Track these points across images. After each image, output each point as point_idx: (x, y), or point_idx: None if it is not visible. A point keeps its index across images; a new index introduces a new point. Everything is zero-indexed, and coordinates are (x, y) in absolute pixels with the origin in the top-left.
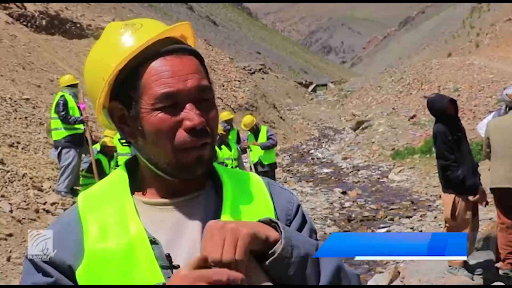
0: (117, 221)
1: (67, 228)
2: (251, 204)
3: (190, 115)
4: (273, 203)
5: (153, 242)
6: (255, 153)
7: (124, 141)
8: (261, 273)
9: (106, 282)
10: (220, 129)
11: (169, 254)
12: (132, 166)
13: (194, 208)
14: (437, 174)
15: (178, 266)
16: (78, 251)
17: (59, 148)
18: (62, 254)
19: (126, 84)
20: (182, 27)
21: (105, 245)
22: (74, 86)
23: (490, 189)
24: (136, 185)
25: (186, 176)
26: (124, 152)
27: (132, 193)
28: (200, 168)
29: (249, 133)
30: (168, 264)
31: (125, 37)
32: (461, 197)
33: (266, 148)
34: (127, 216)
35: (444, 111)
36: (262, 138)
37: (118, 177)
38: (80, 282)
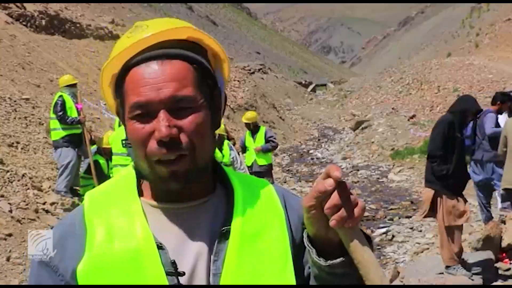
0: (124, 223)
1: (70, 231)
2: (262, 211)
3: (159, 126)
4: (287, 211)
5: (160, 247)
6: (250, 154)
7: (129, 143)
8: (364, 239)
9: (110, 282)
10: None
11: (174, 261)
12: None
13: (203, 214)
14: None
15: (184, 273)
16: (80, 253)
17: (59, 149)
18: (65, 261)
19: (117, 89)
20: (185, 30)
21: (111, 247)
22: (73, 86)
23: (504, 189)
24: (144, 187)
25: (163, 188)
26: (119, 152)
27: (140, 195)
28: (174, 182)
29: (248, 131)
30: (173, 271)
31: (124, 40)
32: (439, 193)
33: (267, 151)
34: (135, 219)
35: (466, 114)
36: (260, 139)
37: (126, 178)
38: (81, 281)
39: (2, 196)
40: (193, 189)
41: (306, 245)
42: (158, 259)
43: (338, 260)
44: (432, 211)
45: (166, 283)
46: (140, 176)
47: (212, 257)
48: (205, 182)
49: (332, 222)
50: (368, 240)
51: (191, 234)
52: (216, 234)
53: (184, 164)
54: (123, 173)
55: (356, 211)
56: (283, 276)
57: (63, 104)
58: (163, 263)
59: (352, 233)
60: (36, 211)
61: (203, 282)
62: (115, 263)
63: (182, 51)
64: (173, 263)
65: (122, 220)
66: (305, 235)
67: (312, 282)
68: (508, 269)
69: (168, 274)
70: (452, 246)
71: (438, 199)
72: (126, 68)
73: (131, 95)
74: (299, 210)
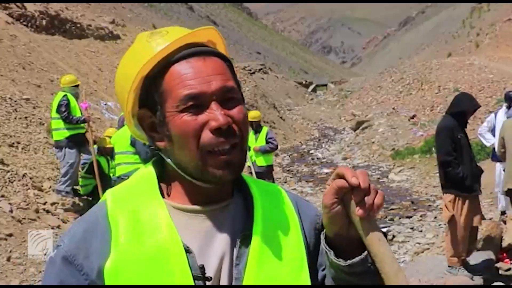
0: (150, 224)
1: (93, 228)
2: (279, 216)
3: (215, 115)
4: (300, 216)
5: (187, 250)
6: (251, 154)
7: (153, 148)
8: (381, 233)
9: (137, 284)
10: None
11: (203, 266)
12: (158, 168)
13: (224, 218)
14: (437, 174)
15: (211, 278)
16: (105, 251)
17: (62, 148)
18: (90, 259)
19: (151, 89)
20: (208, 32)
21: (138, 246)
22: (76, 86)
23: (506, 190)
24: (163, 187)
25: (215, 181)
26: (124, 150)
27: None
28: (229, 173)
29: (251, 131)
30: (201, 275)
31: (150, 45)
32: (460, 196)
33: (266, 152)
34: (161, 220)
35: (464, 114)
36: (261, 139)
37: (146, 177)
38: (109, 280)
39: (3, 196)
40: (218, 191)
41: (324, 247)
42: (186, 262)
43: (357, 258)
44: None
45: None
46: (161, 176)
47: (234, 261)
48: (227, 185)
49: (359, 211)
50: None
51: (214, 237)
52: (237, 238)
53: (237, 154)
54: (142, 173)
55: (378, 198)
56: (300, 280)
57: (68, 104)
58: (190, 267)
59: (369, 227)
60: (37, 211)
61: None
62: (142, 263)
63: (216, 50)
64: (202, 268)
65: (148, 220)
66: (322, 237)
67: (327, 284)
68: (509, 269)
69: (195, 278)
70: (462, 247)
71: (458, 202)
72: (163, 67)
73: (179, 89)
74: (311, 216)
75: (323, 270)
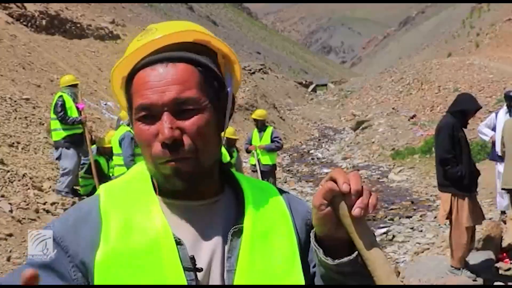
0: (142, 218)
1: (86, 218)
2: (270, 212)
3: (162, 128)
4: (292, 213)
5: (178, 242)
6: (259, 151)
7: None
8: (373, 236)
9: (127, 279)
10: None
11: (193, 256)
12: None
13: (215, 212)
14: None
15: (202, 269)
16: (94, 241)
17: (59, 149)
18: (76, 244)
19: (126, 92)
20: (191, 34)
21: (129, 239)
22: (74, 86)
23: (503, 189)
24: (156, 184)
25: (168, 187)
26: (116, 152)
27: (154, 190)
28: (179, 180)
29: (255, 129)
30: (191, 266)
31: (134, 43)
32: (458, 195)
33: (271, 150)
34: (153, 213)
35: (465, 113)
36: (266, 138)
37: (141, 174)
38: (99, 276)
39: (3, 196)
40: (201, 189)
41: (313, 245)
42: (176, 253)
43: (346, 258)
44: (449, 213)
45: (183, 278)
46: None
47: (226, 254)
48: (214, 183)
49: (355, 212)
50: None
51: (206, 231)
52: (228, 232)
53: (187, 165)
54: (138, 169)
55: (373, 198)
56: (292, 274)
57: (63, 104)
58: (181, 258)
59: (360, 230)
60: (37, 211)
61: (217, 278)
62: (134, 256)
63: (186, 54)
64: (192, 259)
65: (140, 214)
66: (312, 235)
67: (317, 282)
68: (509, 269)
69: (186, 269)
70: (466, 247)
71: (456, 201)
72: (133, 71)
73: (137, 97)
74: (303, 212)
75: (314, 266)
